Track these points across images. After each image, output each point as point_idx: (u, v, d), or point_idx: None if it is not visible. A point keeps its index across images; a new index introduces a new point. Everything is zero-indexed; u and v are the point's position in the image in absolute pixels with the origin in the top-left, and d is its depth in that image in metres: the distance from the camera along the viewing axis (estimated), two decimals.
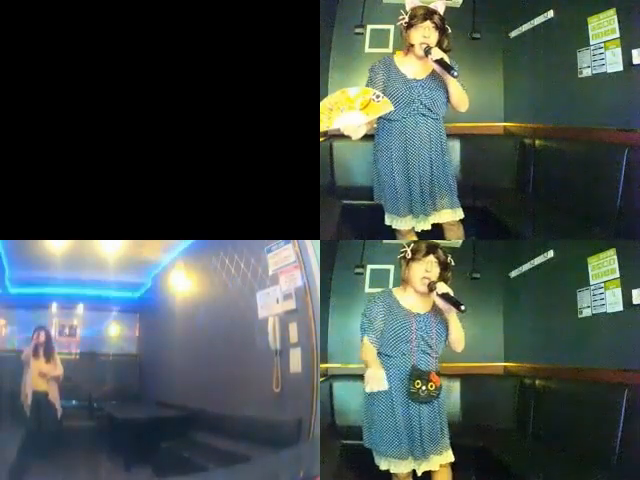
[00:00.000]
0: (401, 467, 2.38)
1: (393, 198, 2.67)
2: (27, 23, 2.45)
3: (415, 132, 2.58)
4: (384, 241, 3.70)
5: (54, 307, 6.04)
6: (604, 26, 2.79)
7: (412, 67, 2.58)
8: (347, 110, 2.41)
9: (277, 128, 2.50)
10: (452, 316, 2.30)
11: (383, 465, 2.40)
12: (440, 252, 2.33)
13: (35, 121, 2.46)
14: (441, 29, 2.50)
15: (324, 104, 2.42)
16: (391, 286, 3.72)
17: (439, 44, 2.50)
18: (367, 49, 3.85)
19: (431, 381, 2.30)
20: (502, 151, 3.57)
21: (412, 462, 2.38)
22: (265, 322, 3.42)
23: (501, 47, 3.72)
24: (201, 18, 2.49)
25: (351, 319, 3.75)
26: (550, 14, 3.30)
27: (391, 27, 3.82)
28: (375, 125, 2.64)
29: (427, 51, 2.45)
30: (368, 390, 2.23)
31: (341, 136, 3.62)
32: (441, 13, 2.51)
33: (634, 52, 2.60)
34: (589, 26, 2.89)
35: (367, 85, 2.57)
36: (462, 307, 2.20)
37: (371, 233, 3.40)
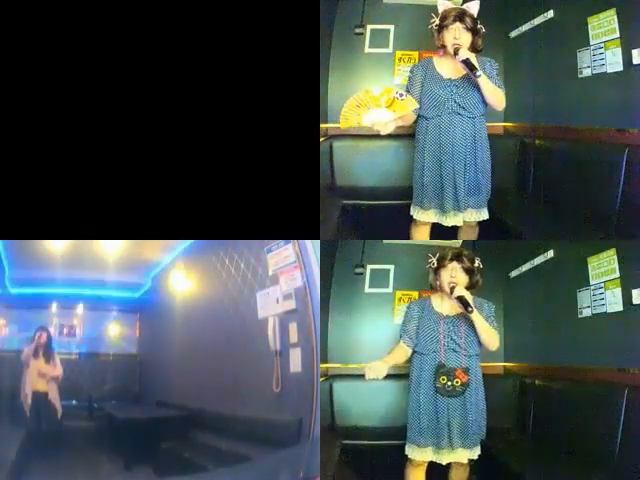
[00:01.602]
0: (417, 454, 2.58)
1: (420, 190, 2.80)
2: (27, 23, 2.45)
3: (449, 130, 2.68)
4: (384, 241, 3.70)
5: (54, 307, 6.04)
6: (604, 26, 2.79)
7: (448, 68, 2.69)
8: (374, 107, 2.58)
9: (277, 128, 2.51)
10: (473, 317, 2.46)
11: (406, 449, 2.62)
12: (465, 259, 2.51)
13: (35, 121, 2.47)
14: (473, 30, 2.58)
15: (351, 102, 2.59)
16: (391, 286, 3.77)
17: (472, 45, 2.59)
18: (367, 49, 3.84)
19: (457, 377, 2.50)
20: (502, 151, 3.56)
21: (431, 453, 2.56)
22: (265, 322, 3.41)
23: (501, 47, 3.72)
24: (201, 18, 2.49)
25: (351, 319, 3.75)
26: (550, 14, 3.29)
27: (391, 27, 3.82)
28: (411, 124, 2.78)
29: (456, 52, 2.55)
30: (366, 377, 2.42)
31: (341, 136, 3.69)
32: (474, 14, 2.58)
33: (634, 52, 2.59)
34: (589, 26, 2.88)
35: (407, 85, 2.75)
36: (469, 309, 2.42)
37: (371, 233, 3.41)
